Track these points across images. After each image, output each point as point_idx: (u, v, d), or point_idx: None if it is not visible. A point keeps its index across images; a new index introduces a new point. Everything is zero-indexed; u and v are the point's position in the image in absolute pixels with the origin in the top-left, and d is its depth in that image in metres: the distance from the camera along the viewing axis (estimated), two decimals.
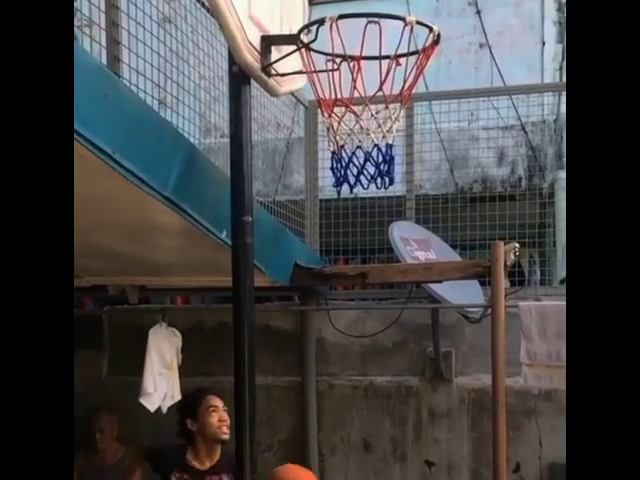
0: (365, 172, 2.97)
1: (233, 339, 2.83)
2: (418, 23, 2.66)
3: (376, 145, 2.87)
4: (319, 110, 3.01)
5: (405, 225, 5.12)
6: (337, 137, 2.92)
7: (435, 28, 2.71)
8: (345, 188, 5.34)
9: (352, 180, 3.01)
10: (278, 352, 5.35)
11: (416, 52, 2.71)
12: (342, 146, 2.93)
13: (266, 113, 4.63)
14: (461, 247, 5.36)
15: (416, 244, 4.88)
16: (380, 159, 2.93)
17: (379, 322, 5.18)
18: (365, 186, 3.01)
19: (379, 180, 2.96)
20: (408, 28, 2.63)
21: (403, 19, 2.61)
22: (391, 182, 3.02)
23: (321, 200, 5.40)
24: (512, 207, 5.40)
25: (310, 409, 5.27)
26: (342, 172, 2.98)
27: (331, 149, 2.97)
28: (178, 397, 4.76)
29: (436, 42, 2.75)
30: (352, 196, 5.37)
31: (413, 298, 5.14)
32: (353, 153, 2.92)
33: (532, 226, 5.63)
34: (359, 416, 5.29)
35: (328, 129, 2.95)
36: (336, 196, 5.38)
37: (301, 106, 5.30)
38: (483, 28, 5.99)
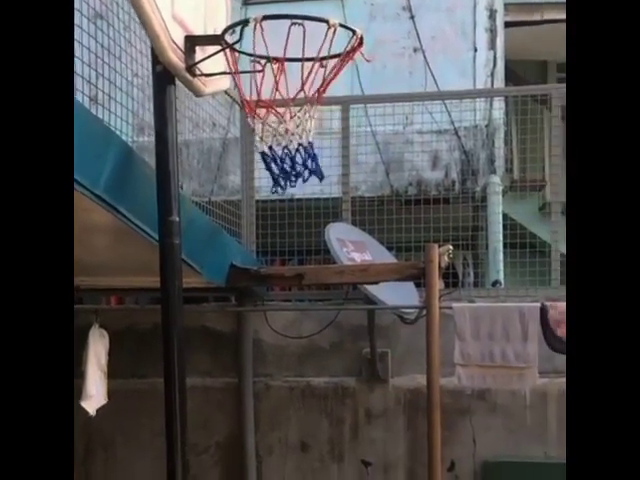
0: (297, 171, 3.00)
1: (162, 340, 2.82)
2: (341, 26, 2.66)
3: (300, 144, 2.91)
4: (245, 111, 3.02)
5: (341, 227, 5.13)
6: (263, 138, 2.94)
7: (358, 31, 2.72)
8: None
9: (284, 180, 3.03)
10: (215, 353, 5.33)
11: (339, 55, 2.72)
12: (270, 147, 2.95)
13: (201, 112, 4.62)
14: (396, 249, 5.42)
15: (352, 246, 4.89)
16: (305, 157, 2.96)
17: (316, 323, 5.19)
18: (297, 183, 3.03)
19: (306, 175, 3.00)
20: (331, 31, 2.63)
21: (326, 21, 2.62)
22: (321, 177, 3.05)
23: (257, 201, 5.40)
24: (446, 210, 5.49)
25: (247, 410, 5.26)
26: (278, 172, 3.00)
27: (260, 150, 2.99)
28: (106, 400, 4.69)
29: (359, 45, 2.76)
30: (289, 197, 5.42)
31: (349, 299, 5.17)
32: (286, 155, 2.94)
33: (465, 229, 5.71)
34: (296, 417, 5.30)
35: (253, 130, 2.96)
36: (272, 197, 5.42)
37: (237, 106, 5.28)
38: (417, 33, 6.07)
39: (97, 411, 4.61)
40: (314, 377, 5.30)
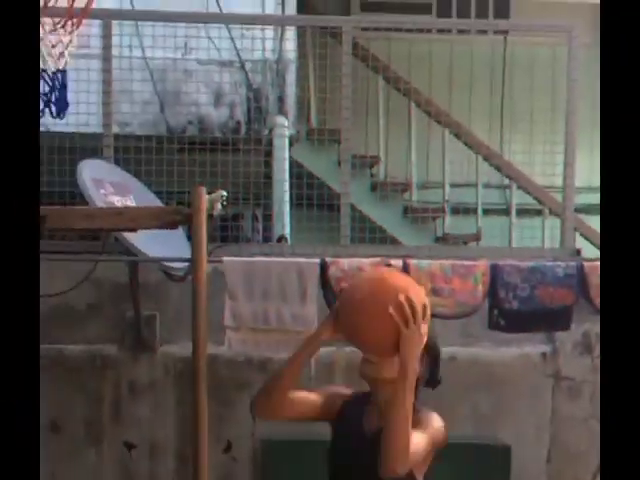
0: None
1: None
2: None
3: (44, 70, 2.75)
4: None
5: (100, 165, 4.60)
6: None
7: None
8: None
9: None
10: None
11: None
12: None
13: None
14: (168, 197, 4.83)
15: (112, 188, 4.42)
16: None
17: (69, 279, 4.50)
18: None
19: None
20: None
21: None
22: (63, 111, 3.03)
23: None
24: (233, 154, 5.05)
25: None
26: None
27: None
28: None
29: None
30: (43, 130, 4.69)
31: (108, 252, 4.56)
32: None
33: (254, 176, 5.22)
34: (44, 392, 4.54)
35: None
36: None
37: None
38: None
39: None
40: (66, 344, 4.79)
